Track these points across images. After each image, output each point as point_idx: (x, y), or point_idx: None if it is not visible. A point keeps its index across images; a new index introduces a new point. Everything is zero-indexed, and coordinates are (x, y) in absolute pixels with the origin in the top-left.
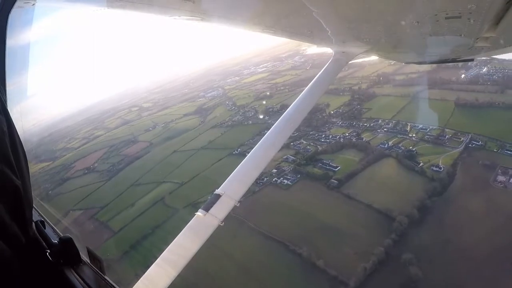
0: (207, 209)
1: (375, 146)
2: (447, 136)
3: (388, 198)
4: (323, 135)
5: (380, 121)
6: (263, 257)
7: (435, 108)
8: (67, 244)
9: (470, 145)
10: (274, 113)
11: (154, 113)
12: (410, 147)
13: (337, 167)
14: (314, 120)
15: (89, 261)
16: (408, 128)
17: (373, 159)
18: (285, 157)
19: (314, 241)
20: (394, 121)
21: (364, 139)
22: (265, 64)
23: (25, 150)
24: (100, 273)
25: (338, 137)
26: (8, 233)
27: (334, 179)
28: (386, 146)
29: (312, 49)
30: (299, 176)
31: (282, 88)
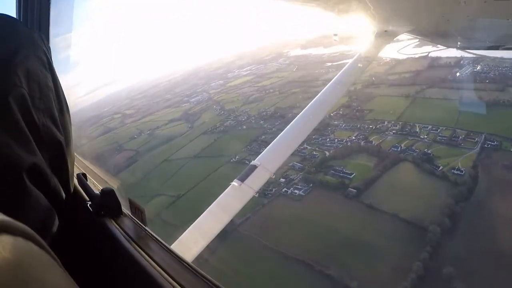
0: (242, 180)
1: (387, 149)
2: (460, 137)
3: (413, 206)
4: (328, 139)
5: (386, 122)
6: (286, 280)
7: (440, 108)
8: (108, 196)
9: (485, 145)
10: (269, 117)
11: (138, 120)
12: (425, 150)
13: (351, 173)
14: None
15: (130, 213)
16: (418, 129)
17: (389, 164)
18: (291, 164)
19: (341, 259)
20: (401, 123)
21: (373, 143)
22: (248, 67)
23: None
24: (141, 224)
25: (344, 140)
26: (50, 186)
27: (351, 188)
28: (399, 149)
29: (296, 51)
30: (311, 185)
31: (271, 91)
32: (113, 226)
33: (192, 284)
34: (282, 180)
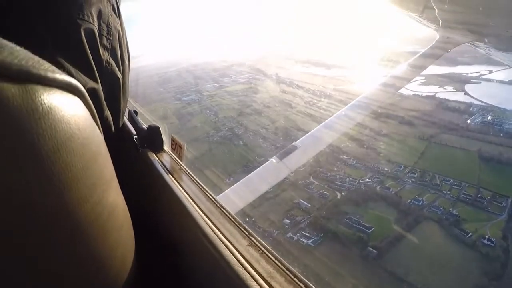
0: (281, 158)
1: (408, 202)
2: (486, 199)
3: (442, 279)
4: (338, 177)
5: (402, 167)
6: None
7: (458, 158)
8: (153, 131)
9: None
10: (271, 134)
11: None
12: (450, 209)
13: (370, 227)
14: (321, 154)
15: (171, 149)
16: (439, 182)
17: (412, 221)
18: (296, 201)
19: None
20: (419, 170)
21: (391, 190)
22: (246, 75)
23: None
24: (178, 159)
25: (357, 181)
26: (103, 115)
27: (371, 247)
28: (420, 203)
29: (297, 67)
30: (322, 234)
31: (270, 106)
32: (154, 158)
33: (217, 217)
34: (287, 221)
